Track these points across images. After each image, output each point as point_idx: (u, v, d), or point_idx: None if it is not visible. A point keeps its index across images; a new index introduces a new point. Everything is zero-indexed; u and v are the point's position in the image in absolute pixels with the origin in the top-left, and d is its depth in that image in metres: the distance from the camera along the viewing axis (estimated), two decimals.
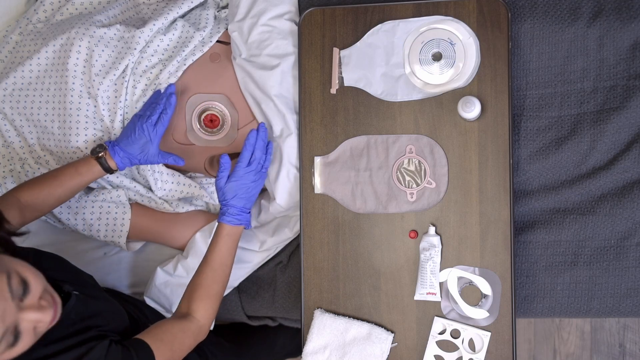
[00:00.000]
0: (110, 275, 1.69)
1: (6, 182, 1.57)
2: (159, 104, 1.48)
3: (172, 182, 1.59)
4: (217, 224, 1.44)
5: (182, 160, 1.51)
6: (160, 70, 1.56)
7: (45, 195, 1.40)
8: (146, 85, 1.55)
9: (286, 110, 1.53)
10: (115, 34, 1.57)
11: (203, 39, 1.60)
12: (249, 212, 1.46)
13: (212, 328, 1.65)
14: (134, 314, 1.44)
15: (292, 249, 1.64)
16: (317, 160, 1.50)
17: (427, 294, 1.44)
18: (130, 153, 1.45)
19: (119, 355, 1.16)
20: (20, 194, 1.38)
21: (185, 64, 1.56)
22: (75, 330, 1.16)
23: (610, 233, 1.48)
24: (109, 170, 1.46)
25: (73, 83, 1.53)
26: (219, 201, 1.45)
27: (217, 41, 1.61)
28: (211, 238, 1.44)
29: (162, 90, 1.53)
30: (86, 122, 1.54)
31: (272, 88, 1.52)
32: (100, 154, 1.44)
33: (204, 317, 1.36)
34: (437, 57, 1.46)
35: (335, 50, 1.50)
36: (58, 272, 1.22)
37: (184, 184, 1.59)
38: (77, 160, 1.48)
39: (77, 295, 1.20)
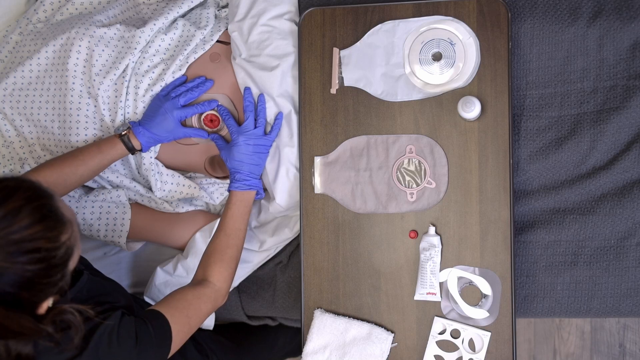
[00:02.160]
0: (110, 275, 1.67)
1: None
2: (190, 88, 1.52)
3: (172, 183, 1.59)
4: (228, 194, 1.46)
5: (205, 133, 1.54)
6: (163, 69, 1.56)
7: (67, 175, 1.41)
8: (149, 85, 1.55)
9: (286, 110, 1.53)
10: (115, 34, 1.57)
11: (204, 37, 1.60)
12: (259, 179, 1.48)
13: (212, 328, 1.65)
14: (135, 310, 1.45)
15: (292, 249, 1.64)
16: (317, 160, 1.50)
17: (427, 294, 1.44)
18: (156, 133, 1.48)
19: (132, 325, 1.16)
20: (40, 174, 1.38)
21: (187, 62, 1.56)
22: (88, 305, 1.16)
23: (610, 233, 1.48)
24: (132, 150, 1.48)
25: (73, 83, 1.53)
26: (229, 169, 1.48)
27: (217, 41, 1.61)
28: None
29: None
30: (86, 122, 1.54)
31: (272, 88, 1.52)
32: (123, 133, 1.46)
33: (219, 281, 1.36)
34: (437, 57, 1.46)
35: (335, 50, 1.50)
36: None
37: (183, 185, 1.59)
38: (100, 139, 1.49)
39: (87, 273, 1.22)
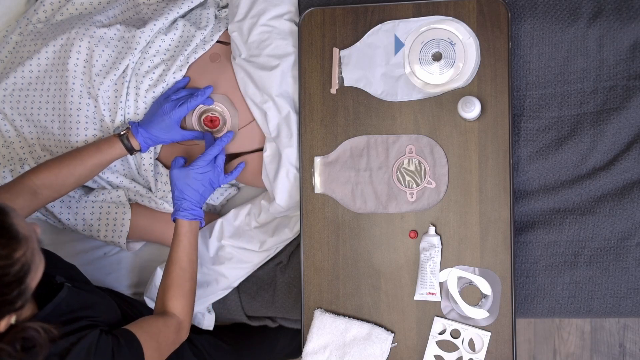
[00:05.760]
0: (110, 275, 1.68)
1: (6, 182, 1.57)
2: (191, 92, 1.51)
3: None
4: (174, 221, 1.44)
5: (202, 135, 1.54)
6: (164, 70, 1.56)
7: (65, 175, 1.40)
8: (149, 85, 1.55)
9: (286, 110, 1.53)
10: (115, 34, 1.57)
11: (204, 37, 1.60)
12: (202, 209, 1.46)
13: (211, 329, 1.65)
14: (131, 314, 1.44)
15: (292, 249, 1.64)
16: (317, 160, 1.50)
17: (427, 294, 1.44)
18: (153, 134, 1.48)
19: (110, 345, 1.16)
20: (37, 175, 1.38)
21: (188, 62, 1.56)
22: (66, 320, 1.16)
23: (610, 233, 1.48)
24: (131, 150, 1.48)
25: (73, 83, 1.53)
26: (173, 196, 1.45)
27: (217, 41, 1.61)
28: (172, 237, 1.44)
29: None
30: (86, 122, 1.54)
31: (272, 88, 1.52)
32: (122, 132, 1.46)
33: (181, 314, 1.36)
34: (437, 57, 1.46)
35: (335, 50, 1.50)
36: (48, 264, 1.23)
37: None
38: (99, 139, 1.49)
39: (68, 286, 1.21)
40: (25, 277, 1.00)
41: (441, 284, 1.44)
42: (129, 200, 1.62)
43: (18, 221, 1.00)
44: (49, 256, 1.30)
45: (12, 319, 1.02)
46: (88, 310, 1.23)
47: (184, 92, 1.52)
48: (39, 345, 1.03)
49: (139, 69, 1.56)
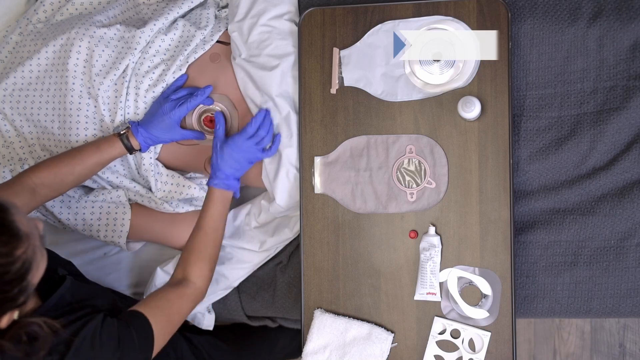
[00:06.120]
0: (110, 275, 1.68)
1: None
2: (191, 91, 1.52)
3: (172, 184, 1.59)
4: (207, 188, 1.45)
5: (203, 135, 1.55)
6: (163, 70, 1.56)
7: (64, 174, 1.41)
8: (149, 85, 1.55)
9: (286, 110, 1.53)
10: (115, 34, 1.57)
11: (204, 37, 1.60)
12: (238, 180, 1.47)
13: (211, 329, 1.65)
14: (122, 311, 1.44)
15: (292, 249, 1.64)
16: (317, 160, 1.50)
17: (427, 294, 1.44)
18: (153, 134, 1.48)
19: (114, 327, 1.16)
20: (36, 174, 1.38)
21: (187, 62, 1.56)
22: (71, 309, 1.16)
23: (610, 233, 1.48)
24: (131, 150, 1.48)
25: (73, 83, 1.53)
26: (212, 163, 1.47)
27: (217, 41, 1.61)
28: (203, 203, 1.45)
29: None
30: (86, 122, 1.54)
31: (272, 88, 1.52)
32: (122, 132, 1.47)
33: (199, 279, 1.36)
34: (437, 57, 1.46)
35: (335, 50, 1.50)
36: (49, 259, 1.23)
37: (183, 185, 1.59)
38: (99, 138, 1.49)
39: (71, 279, 1.21)
40: (26, 274, 1.00)
41: (441, 284, 1.44)
42: (129, 200, 1.62)
43: (19, 218, 1.00)
44: (48, 253, 1.30)
45: (15, 314, 1.02)
46: (91, 300, 1.23)
47: (183, 91, 1.52)
48: (42, 338, 1.03)
49: (138, 69, 1.56)
